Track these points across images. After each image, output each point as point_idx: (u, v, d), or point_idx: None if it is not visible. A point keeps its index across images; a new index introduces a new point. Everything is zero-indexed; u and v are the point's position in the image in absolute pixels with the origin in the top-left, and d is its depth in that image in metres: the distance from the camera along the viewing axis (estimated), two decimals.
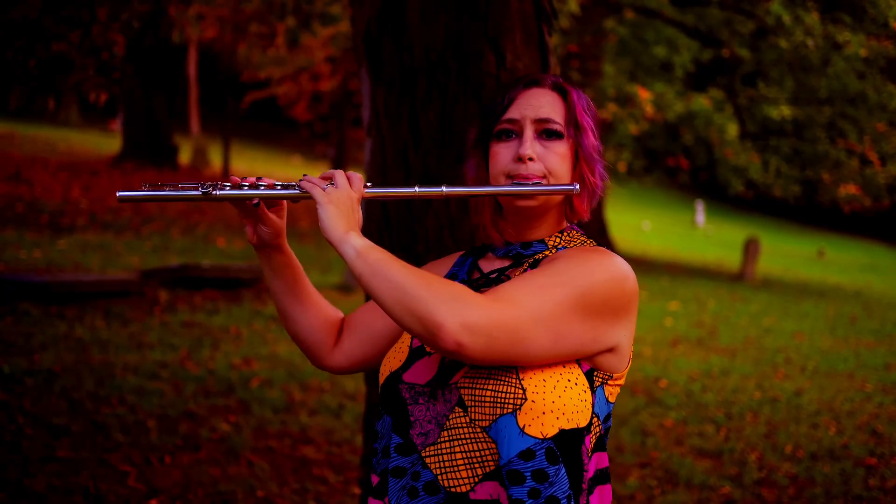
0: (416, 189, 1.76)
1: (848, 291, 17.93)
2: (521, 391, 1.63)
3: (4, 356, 6.28)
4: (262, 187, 1.72)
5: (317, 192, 1.69)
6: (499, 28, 2.87)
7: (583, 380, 1.69)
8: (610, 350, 1.71)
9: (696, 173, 22.53)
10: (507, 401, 1.63)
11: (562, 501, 1.64)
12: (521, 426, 1.63)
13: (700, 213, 34.54)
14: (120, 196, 1.70)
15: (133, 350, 6.91)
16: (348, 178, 1.73)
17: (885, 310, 14.96)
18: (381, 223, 2.96)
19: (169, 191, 1.70)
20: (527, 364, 1.64)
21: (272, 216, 1.84)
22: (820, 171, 16.69)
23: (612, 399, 1.77)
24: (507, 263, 1.85)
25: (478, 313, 1.56)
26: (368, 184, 1.77)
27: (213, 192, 1.69)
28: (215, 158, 24.38)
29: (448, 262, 1.99)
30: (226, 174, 22.26)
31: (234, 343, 7.56)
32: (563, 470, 1.65)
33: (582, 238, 1.85)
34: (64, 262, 9.79)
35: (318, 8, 8.54)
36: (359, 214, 1.71)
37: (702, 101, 16.53)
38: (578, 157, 1.81)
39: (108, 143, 24.77)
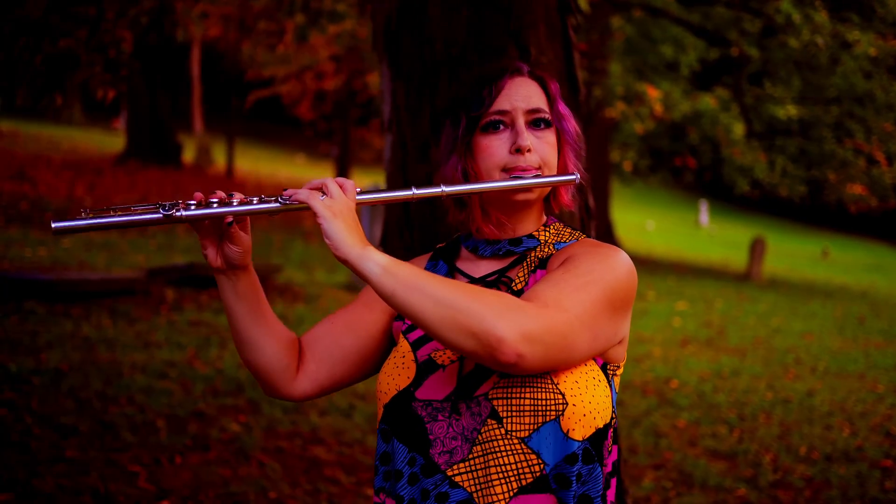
0: (414, 191, 1.64)
1: (854, 292, 17.87)
2: (560, 396, 1.59)
3: (11, 355, 6.23)
4: (236, 203, 1.56)
5: (317, 205, 1.55)
6: (521, 22, 2.82)
7: (601, 375, 1.67)
8: (619, 343, 1.71)
9: (701, 173, 22.49)
10: (548, 408, 1.58)
11: (595, 501, 1.63)
12: (566, 431, 1.59)
13: (703, 212, 34.50)
14: (55, 227, 1.46)
15: (140, 349, 6.85)
16: (340, 186, 1.60)
17: (892, 310, 14.90)
18: (402, 221, 2.91)
19: (119, 216, 1.47)
20: (567, 367, 1.60)
21: (241, 233, 1.67)
22: (826, 170, 16.65)
23: (618, 389, 1.75)
24: (501, 264, 1.77)
25: (535, 322, 1.50)
26: (359, 188, 1.64)
27: (177, 214, 1.49)
28: (219, 157, 24.34)
29: (418, 265, 1.88)
30: (230, 173, 22.22)
31: None
32: (598, 468, 1.64)
33: (569, 230, 1.81)
34: (69, 261, 9.74)
35: (326, 5, 8.49)
36: (360, 224, 1.60)
37: (708, 101, 16.48)
38: (562, 144, 1.78)
39: (111, 141, 24.75)
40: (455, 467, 1.61)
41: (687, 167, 21.06)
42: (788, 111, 15.19)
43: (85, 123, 28.75)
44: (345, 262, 1.53)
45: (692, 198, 38.13)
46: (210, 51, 29.08)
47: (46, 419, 5.15)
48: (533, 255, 1.75)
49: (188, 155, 23.09)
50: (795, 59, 12.74)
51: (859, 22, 12.21)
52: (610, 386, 1.69)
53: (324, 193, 1.58)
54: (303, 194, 1.56)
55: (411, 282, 1.51)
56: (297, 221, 15.95)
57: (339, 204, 1.56)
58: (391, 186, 3.02)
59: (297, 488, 4.67)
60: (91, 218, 1.44)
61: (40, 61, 6.13)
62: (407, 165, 2.90)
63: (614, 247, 1.70)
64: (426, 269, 1.85)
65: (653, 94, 15.39)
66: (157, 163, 20.27)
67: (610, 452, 1.70)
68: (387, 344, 1.83)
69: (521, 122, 1.72)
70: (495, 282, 1.74)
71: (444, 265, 1.84)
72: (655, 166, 21.27)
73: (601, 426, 1.64)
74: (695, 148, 19.06)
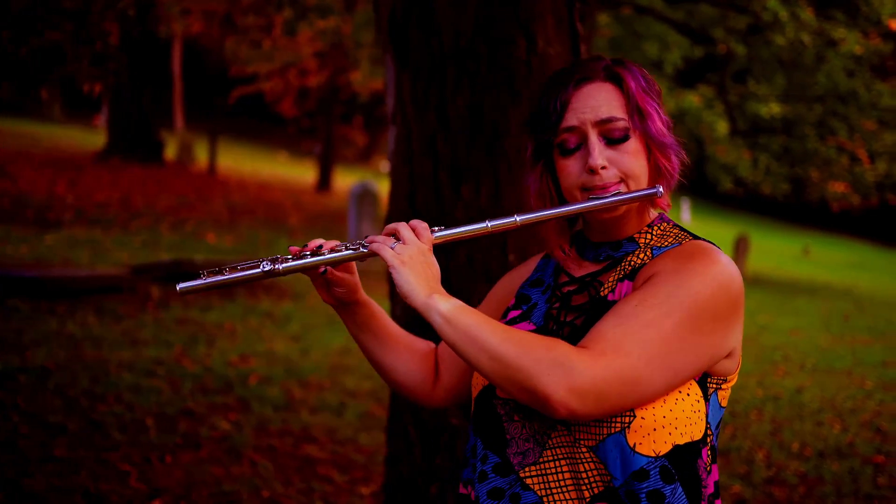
0: (488, 224, 1.64)
1: (838, 289, 17.96)
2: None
3: None
4: (326, 252, 1.66)
5: (387, 253, 1.57)
6: (530, 13, 2.77)
7: (695, 389, 1.56)
8: (726, 356, 1.59)
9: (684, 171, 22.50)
10: (613, 419, 1.50)
11: None
12: (632, 445, 1.51)
13: (685, 210, 34.60)
14: (181, 288, 1.66)
15: (127, 347, 6.76)
16: (413, 230, 1.62)
17: (876, 307, 15.00)
18: (406, 215, 2.86)
19: (230, 274, 1.68)
20: (644, 405, 1.51)
21: (343, 275, 1.77)
22: (809, 168, 16.71)
23: (724, 403, 1.64)
24: (600, 266, 1.71)
25: (584, 376, 1.44)
26: (435, 228, 1.64)
27: (277, 268, 1.66)
28: (201, 154, 24.16)
29: (530, 265, 1.89)
30: (212, 170, 22.06)
31: (230, 340, 7.43)
32: (681, 488, 1.54)
33: (675, 231, 1.69)
34: (52, 258, 9.61)
35: (311, 1, 8.43)
36: (435, 266, 1.60)
37: (691, 99, 16.49)
38: (650, 146, 1.65)
39: (91, 138, 24.50)
40: (527, 469, 1.58)
41: None
42: (772, 109, 15.21)
43: (64, 120, 28.50)
44: (412, 307, 1.56)
45: (674, 196, 38.19)
46: (192, 47, 28.89)
47: (34, 418, 5.06)
48: (629, 259, 1.67)
49: (170, 152, 22.89)
50: (781, 57, 12.77)
51: (844, 20, 12.26)
52: (708, 400, 1.58)
53: (397, 239, 1.61)
54: (375, 244, 1.60)
55: (469, 334, 1.50)
56: (282, 219, 15.86)
57: (410, 250, 1.58)
58: (395, 179, 2.97)
59: (290, 487, 4.61)
60: (209, 277, 1.66)
61: (26, 54, 6.04)
62: (413, 158, 2.85)
63: (709, 256, 1.58)
64: (538, 266, 1.86)
65: None
66: (139, 160, 20.07)
67: (709, 472, 1.60)
68: None
69: (592, 137, 1.62)
70: (590, 282, 1.70)
71: (553, 264, 1.83)
72: None
73: (683, 443, 1.53)
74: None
